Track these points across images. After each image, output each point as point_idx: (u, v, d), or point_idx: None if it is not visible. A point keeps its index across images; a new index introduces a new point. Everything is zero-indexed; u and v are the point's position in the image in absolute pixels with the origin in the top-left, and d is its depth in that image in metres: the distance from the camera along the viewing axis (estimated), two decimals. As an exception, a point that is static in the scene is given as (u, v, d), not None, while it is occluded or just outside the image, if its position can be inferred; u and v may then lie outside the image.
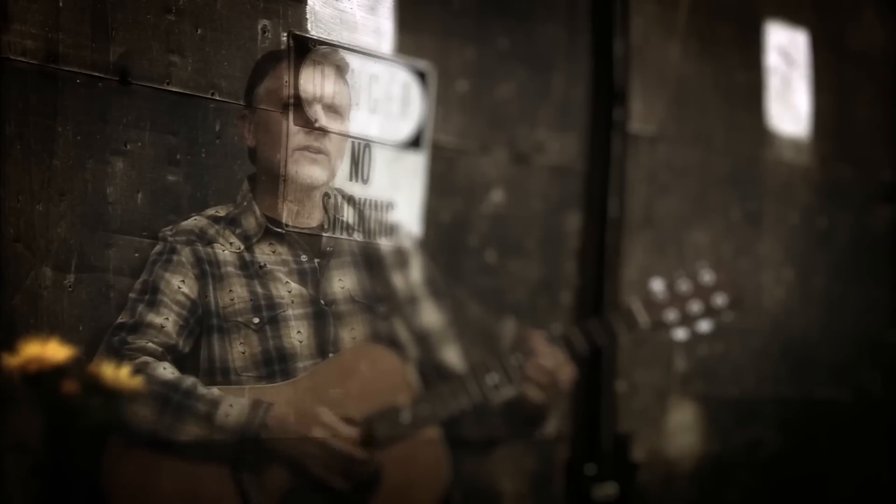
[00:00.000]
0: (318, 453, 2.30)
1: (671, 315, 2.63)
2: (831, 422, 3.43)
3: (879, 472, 3.54)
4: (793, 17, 3.38)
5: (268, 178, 2.27)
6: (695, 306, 2.63)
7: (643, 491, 3.02)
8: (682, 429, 3.16)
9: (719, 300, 2.65)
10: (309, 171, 2.29)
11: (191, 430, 2.16)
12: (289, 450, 2.27)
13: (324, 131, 2.28)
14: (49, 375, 1.79)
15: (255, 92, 2.25)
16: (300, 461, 2.29)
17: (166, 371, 2.15)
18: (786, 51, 3.36)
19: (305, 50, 2.27)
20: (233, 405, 2.20)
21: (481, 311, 2.77)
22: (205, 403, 2.17)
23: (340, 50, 2.31)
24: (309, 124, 2.27)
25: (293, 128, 2.26)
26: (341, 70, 2.31)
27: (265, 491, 2.25)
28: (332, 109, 2.30)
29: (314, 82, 2.27)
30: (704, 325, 2.66)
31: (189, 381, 2.17)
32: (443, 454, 2.48)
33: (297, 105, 2.26)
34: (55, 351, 1.80)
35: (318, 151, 2.29)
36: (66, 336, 2.00)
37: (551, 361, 2.47)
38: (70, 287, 2.07)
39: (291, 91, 2.25)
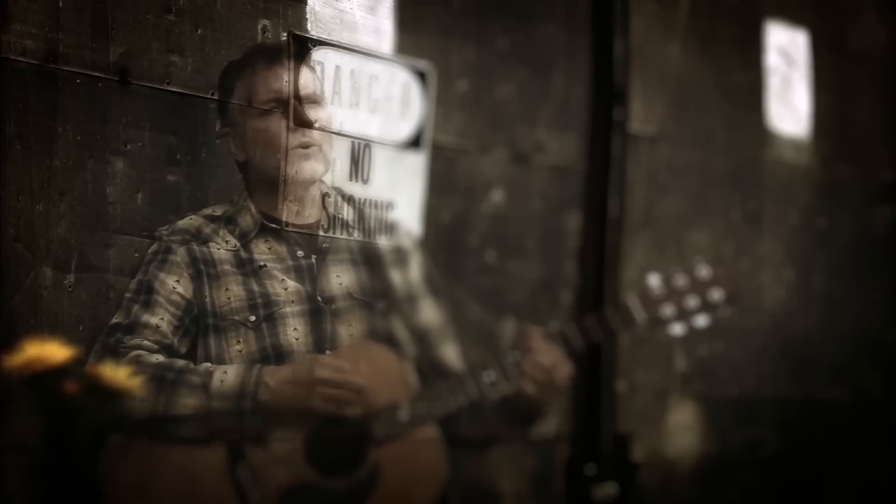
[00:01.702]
0: (324, 389, 2.29)
1: (668, 310, 2.62)
2: (831, 422, 3.43)
3: (879, 472, 3.54)
4: (793, 17, 3.38)
5: (265, 181, 2.27)
6: (691, 301, 2.62)
7: (643, 491, 3.02)
8: (682, 429, 3.16)
9: (716, 295, 2.64)
10: (307, 166, 2.29)
11: (188, 403, 2.16)
12: (289, 401, 2.25)
13: (309, 125, 2.28)
14: (50, 376, 1.79)
15: (234, 106, 2.24)
16: (305, 405, 2.26)
17: (159, 359, 2.16)
18: (786, 51, 3.35)
19: (307, 50, 2.27)
20: (227, 371, 2.20)
21: (481, 311, 2.77)
22: (199, 375, 2.18)
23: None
24: (304, 124, 2.27)
25: (285, 130, 2.26)
26: (303, 58, 2.29)
27: (263, 490, 2.25)
28: (310, 100, 2.29)
29: (282, 80, 2.26)
30: (701, 320, 2.65)
31: (181, 361, 2.18)
32: (440, 453, 2.48)
33: (286, 107, 2.25)
34: (56, 351, 1.80)
35: (310, 145, 2.29)
36: (66, 336, 2.00)
37: (548, 358, 2.47)
38: (70, 287, 2.08)
39: (292, 91, 2.25)
